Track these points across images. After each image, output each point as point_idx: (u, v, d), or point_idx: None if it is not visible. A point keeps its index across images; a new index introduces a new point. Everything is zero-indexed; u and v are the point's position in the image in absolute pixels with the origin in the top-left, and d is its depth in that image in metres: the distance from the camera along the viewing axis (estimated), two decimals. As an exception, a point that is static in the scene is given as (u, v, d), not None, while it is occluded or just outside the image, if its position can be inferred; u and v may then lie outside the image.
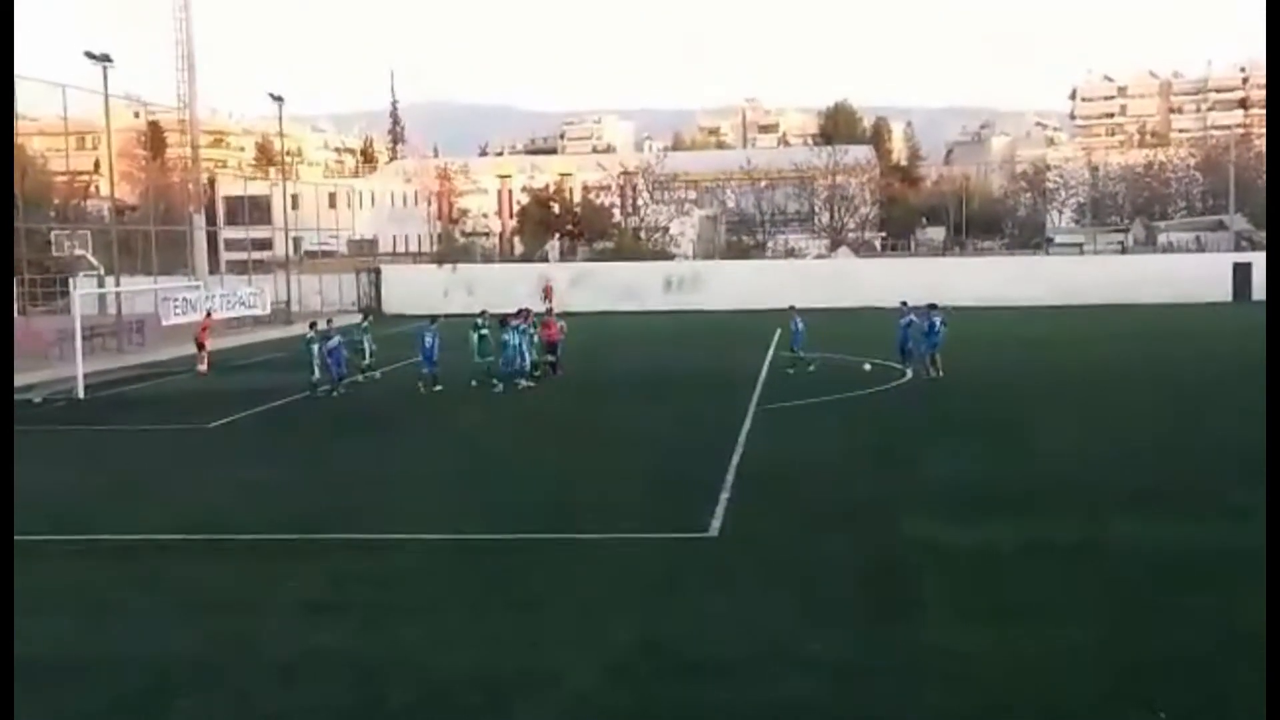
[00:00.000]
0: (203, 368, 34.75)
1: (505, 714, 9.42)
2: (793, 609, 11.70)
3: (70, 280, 35.77)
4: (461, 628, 11.34)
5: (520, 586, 12.71)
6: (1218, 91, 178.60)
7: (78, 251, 41.82)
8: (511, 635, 11.04)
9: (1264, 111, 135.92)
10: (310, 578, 13.14)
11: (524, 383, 28.84)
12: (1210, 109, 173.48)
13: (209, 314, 35.63)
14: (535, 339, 30.12)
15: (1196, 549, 13.48)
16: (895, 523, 14.91)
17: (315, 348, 28.26)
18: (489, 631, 11.17)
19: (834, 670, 10.08)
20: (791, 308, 32.55)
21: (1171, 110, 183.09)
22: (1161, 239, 76.56)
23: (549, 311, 36.91)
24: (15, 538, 14.81)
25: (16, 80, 38.20)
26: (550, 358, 30.57)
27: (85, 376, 30.02)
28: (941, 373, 28.78)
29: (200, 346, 35.36)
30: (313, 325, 29.92)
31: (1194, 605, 11.47)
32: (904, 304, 30.79)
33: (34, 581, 13.19)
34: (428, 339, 29.00)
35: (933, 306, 29.71)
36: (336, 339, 28.82)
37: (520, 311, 30.69)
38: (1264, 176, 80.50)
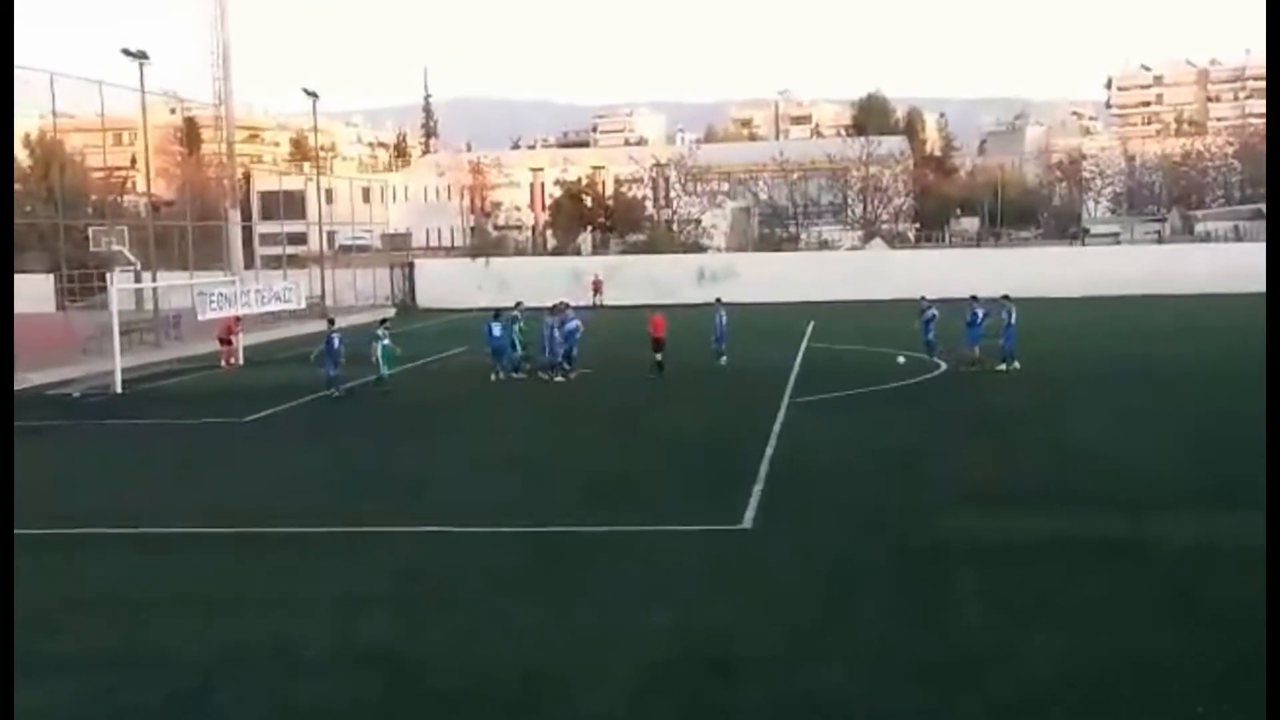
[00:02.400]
0: (228, 363, 35.05)
1: (540, 710, 9.44)
2: (827, 604, 11.66)
3: (108, 276, 36.04)
4: (496, 622, 11.37)
5: (554, 580, 12.74)
6: (1256, 79, 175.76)
7: (115, 247, 42.17)
8: (546, 630, 11.06)
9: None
10: (346, 571, 13.23)
11: (558, 376, 28.94)
12: (1248, 97, 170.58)
13: (238, 318, 35.89)
14: (574, 333, 30.09)
15: (1232, 545, 13.30)
16: (929, 517, 14.82)
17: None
18: (523, 626, 11.19)
19: (868, 666, 10.04)
20: (717, 300, 33.01)
21: (1209, 99, 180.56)
22: (1199, 228, 75.61)
23: (646, 312, 36.28)
24: (55, 530, 15.07)
25: (56, 78, 38.69)
26: (657, 356, 29.58)
27: (123, 371, 30.34)
28: (977, 366, 28.56)
29: (224, 342, 35.58)
30: (331, 321, 30.43)
31: (1234, 603, 11.32)
32: (924, 298, 30.77)
33: (76, 574, 13.38)
34: (496, 330, 29.15)
35: (1005, 297, 29.28)
36: (336, 338, 28.58)
37: (556, 306, 30.86)
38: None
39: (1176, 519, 14.55)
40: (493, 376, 29.13)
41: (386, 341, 28.46)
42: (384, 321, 31.37)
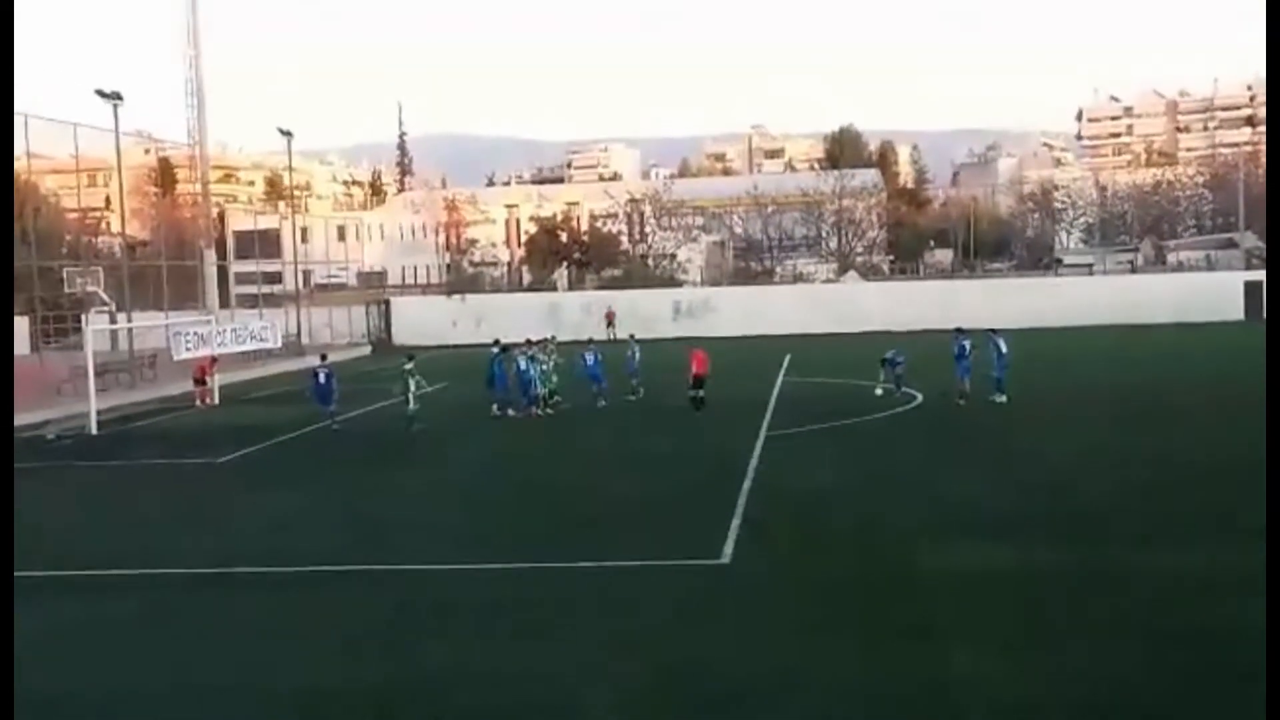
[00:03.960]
0: (203, 402, 34.90)
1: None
2: (806, 636, 11.66)
3: (83, 317, 35.91)
4: (476, 658, 11.31)
5: (533, 615, 12.69)
6: (1224, 110, 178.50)
7: (90, 288, 42.02)
8: (527, 666, 11.01)
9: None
10: (324, 609, 13.14)
11: (536, 411, 28.99)
12: (1218, 127, 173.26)
13: (214, 358, 35.79)
14: (551, 369, 30.21)
15: (1206, 573, 13.40)
16: (908, 549, 14.87)
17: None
18: (504, 662, 11.14)
19: (849, 697, 10.04)
20: (631, 336, 34.44)
21: (1179, 129, 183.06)
22: (1171, 258, 76.46)
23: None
24: (23, 574, 14.92)
25: (29, 120, 38.64)
26: (698, 393, 29.02)
27: (98, 412, 30.16)
28: (964, 398, 28.45)
29: (199, 382, 35.44)
30: (323, 357, 30.38)
31: (1202, 629, 11.39)
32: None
33: (46, 618, 13.22)
34: (521, 364, 29.16)
35: (993, 331, 29.28)
36: (324, 372, 28.50)
37: (541, 341, 31.15)
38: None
39: (1155, 553, 14.61)
40: (496, 409, 29.13)
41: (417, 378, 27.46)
42: (411, 358, 29.31)
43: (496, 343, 30.89)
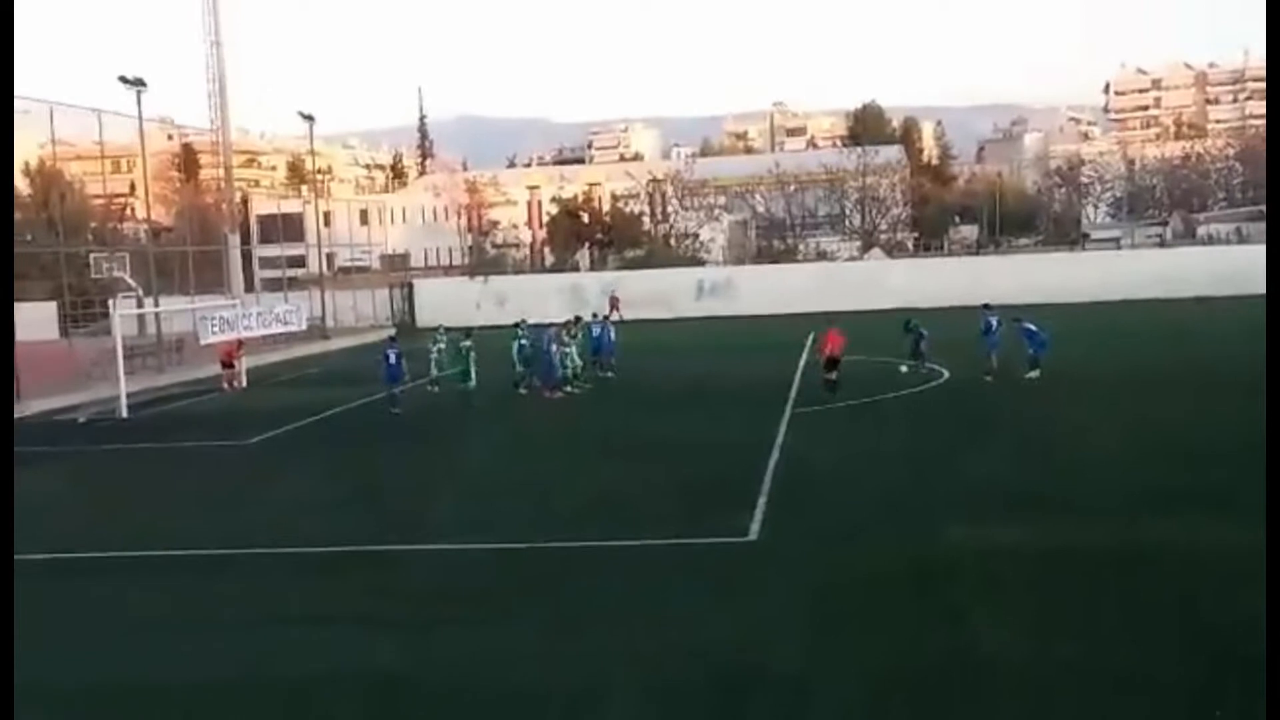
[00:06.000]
0: (230, 385, 35.11)
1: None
2: (833, 616, 11.64)
3: (110, 302, 36.11)
4: (504, 640, 11.33)
5: (561, 596, 12.71)
6: (1254, 81, 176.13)
7: (116, 273, 42.24)
8: (554, 647, 11.02)
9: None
10: (351, 592, 13.20)
11: (562, 391, 29.08)
12: (1248, 99, 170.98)
13: (240, 342, 36.00)
14: (578, 348, 30.64)
15: (1233, 554, 13.27)
16: (933, 526, 14.80)
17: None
18: (531, 643, 11.16)
19: (877, 679, 10.01)
20: (595, 315, 34.66)
21: (1208, 101, 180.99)
22: (1201, 231, 75.61)
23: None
24: (60, 555, 15.07)
25: (55, 108, 38.83)
26: (831, 374, 26.79)
27: (127, 395, 30.40)
28: (992, 376, 28.30)
29: (226, 365, 35.66)
30: (393, 338, 30.69)
31: (1236, 610, 11.30)
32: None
33: (76, 599, 13.36)
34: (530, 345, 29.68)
35: (1017, 320, 29.04)
36: (394, 352, 28.85)
37: (566, 322, 31.26)
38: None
39: (1180, 529, 14.47)
40: (522, 388, 29.54)
41: (443, 345, 29.35)
42: (468, 334, 30.32)
43: (521, 324, 30.98)
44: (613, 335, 33.30)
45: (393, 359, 27.90)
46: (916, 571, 12.95)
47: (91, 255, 46.59)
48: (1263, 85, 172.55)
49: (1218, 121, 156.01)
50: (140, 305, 41.64)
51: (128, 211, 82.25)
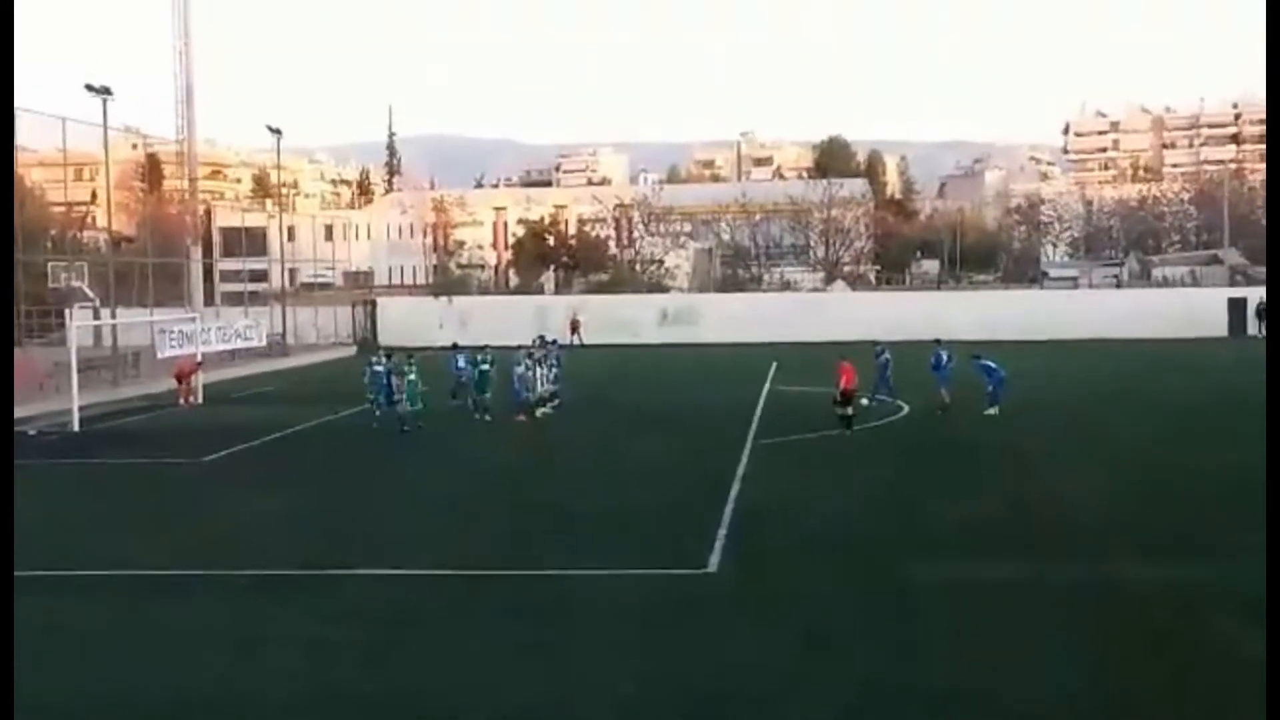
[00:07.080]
0: (186, 401, 34.59)
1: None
2: (793, 647, 11.63)
3: (66, 312, 35.60)
4: (462, 667, 11.24)
5: (520, 623, 12.62)
6: (1210, 127, 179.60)
7: (74, 283, 41.72)
8: (513, 674, 10.95)
9: (1258, 147, 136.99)
10: (306, 614, 13.05)
11: (529, 415, 28.91)
12: (1203, 144, 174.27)
13: (200, 361, 35.49)
14: (555, 371, 30.52)
15: (1195, 588, 13.43)
16: (893, 559, 14.86)
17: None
18: (490, 671, 11.08)
19: (836, 709, 10.01)
20: (554, 341, 34.02)
21: (1164, 145, 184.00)
22: (1156, 273, 76.76)
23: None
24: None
25: (18, 113, 38.35)
26: (847, 410, 26.03)
27: (81, 409, 29.92)
28: (943, 410, 28.59)
29: (179, 380, 35.08)
30: (389, 355, 30.46)
31: (1195, 643, 11.41)
32: (877, 343, 31.20)
33: (21, 618, 13.06)
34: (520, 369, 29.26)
35: (976, 357, 29.42)
36: (381, 367, 28.62)
37: (533, 344, 31.25)
38: (1258, 210, 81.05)
39: (1138, 565, 14.63)
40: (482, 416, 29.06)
41: (412, 376, 27.52)
42: (410, 356, 29.53)
43: (455, 347, 30.58)
44: (561, 360, 32.36)
45: (385, 376, 27.80)
46: (874, 605, 12.99)
47: (50, 263, 45.97)
48: (1217, 131, 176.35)
49: (1174, 165, 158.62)
50: (98, 316, 41.12)
51: (88, 220, 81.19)
